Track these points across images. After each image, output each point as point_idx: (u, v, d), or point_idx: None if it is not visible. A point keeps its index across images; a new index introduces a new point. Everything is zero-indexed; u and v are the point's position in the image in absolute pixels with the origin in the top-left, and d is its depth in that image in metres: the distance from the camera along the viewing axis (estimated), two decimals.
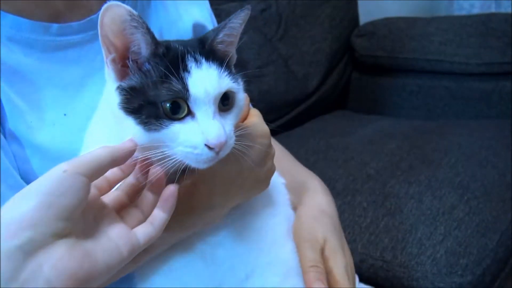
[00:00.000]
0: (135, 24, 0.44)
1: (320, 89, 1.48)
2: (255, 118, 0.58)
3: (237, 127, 0.50)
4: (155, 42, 0.46)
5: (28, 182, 0.59)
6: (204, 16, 0.77)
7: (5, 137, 0.58)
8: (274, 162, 0.64)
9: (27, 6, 0.59)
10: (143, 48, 0.46)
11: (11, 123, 0.57)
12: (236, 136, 0.48)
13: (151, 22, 0.68)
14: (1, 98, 0.56)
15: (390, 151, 1.09)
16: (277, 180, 0.66)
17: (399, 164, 1.04)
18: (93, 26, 0.62)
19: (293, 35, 1.46)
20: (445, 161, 1.01)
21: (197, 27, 0.73)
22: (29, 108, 0.58)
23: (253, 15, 0.53)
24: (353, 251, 0.76)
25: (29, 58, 0.59)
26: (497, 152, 1.03)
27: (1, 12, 0.57)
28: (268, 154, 0.57)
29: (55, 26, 0.60)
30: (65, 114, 0.60)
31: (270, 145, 0.58)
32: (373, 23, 1.54)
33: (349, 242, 0.74)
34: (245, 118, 0.58)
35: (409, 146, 1.11)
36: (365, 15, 1.64)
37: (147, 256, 0.54)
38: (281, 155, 0.74)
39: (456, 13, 1.65)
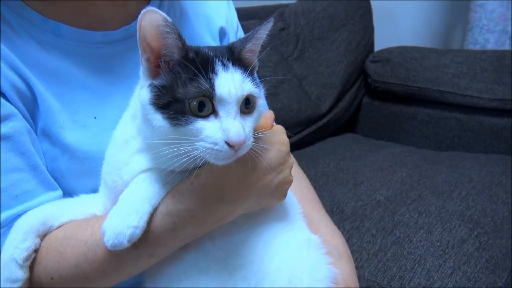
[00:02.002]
0: (168, 30, 0.47)
1: (332, 111, 1.49)
2: (277, 128, 0.61)
3: (256, 130, 0.53)
4: (185, 48, 0.49)
5: (54, 178, 0.60)
6: (230, 23, 0.79)
7: (36, 134, 0.59)
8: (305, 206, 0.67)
9: (67, 13, 0.61)
10: (175, 52, 0.49)
11: (44, 121, 0.59)
12: (254, 138, 0.52)
13: (183, 30, 0.71)
14: (37, 97, 0.58)
15: (400, 179, 1.10)
16: (292, 197, 0.67)
17: (409, 193, 1.04)
18: (128, 35, 0.64)
19: (309, 56, 1.48)
20: (455, 194, 1.01)
21: (221, 31, 0.77)
22: (63, 109, 0.60)
23: (271, 33, 0.56)
24: (360, 277, 0.76)
25: (66, 62, 0.60)
26: (507, 189, 1.03)
27: (43, 17, 0.59)
28: (285, 162, 0.59)
29: (92, 33, 0.61)
30: (95, 117, 0.62)
31: (288, 154, 0.60)
32: (388, 50, 1.56)
33: (356, 267, 0.73)
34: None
35: (419, 176, 1.11)
36: (380, 42, 1.66)
37: (162, 251, 0.54)
38: (310, 205, 0.75)
39: (470, 47, 1.67)
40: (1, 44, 0.56)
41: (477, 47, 1.64)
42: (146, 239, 0.51)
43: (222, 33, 0.77)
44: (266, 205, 0.60)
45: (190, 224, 0.53)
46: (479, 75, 1.38)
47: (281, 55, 1.43)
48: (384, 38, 1.71)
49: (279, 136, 0.60)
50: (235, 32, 0.81)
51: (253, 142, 0.51)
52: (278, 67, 1.39)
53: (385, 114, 1.57)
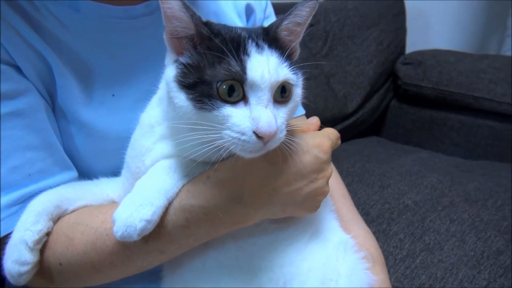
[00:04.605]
0: (185, 7, 0.44)
1: (359, 111, 1.44)
2: (322, 131, 0.56)
3: (290, 124, 0.48)
4: (204, 28, 0.45)
5: (71, 157, 0.57)
6: (259, 4, 0.75)
7: (53, 112, 0.56)
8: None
9: None
10: (192, 30, 0.45)
11: (61, 98, 0.56)
12: (287, 132, 0.46)
13: (208, 8, 0.67)
14: (55, 73, 0.55)
15: (430, 184, 1.04)
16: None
17: (440, 199, 0.98)
18: (149, 11, 0.61)
19: (338, 53, 1.43)
20: (490, 203, 0.95)
21: (248, 8, 0.73)
22: (80, 85, 0.57)
23: None
24: None
25: (84, 38, 0.58)
26: None
27: None
28: (321, 170, 0.53)
29: (113, 8, 0.59)
30: (113, 95, 0.59)
31: (326, 162, 0.53)
32: (421, 52, 1.50)
33: None
34: None
35: (451, 182, 1.05)
36: (412, 45, 1.60)
37: (174, 248, 0.51)
38: (345, 208, 0.71)
39: (507, 53, 1.59)
40: (19, 19, 0.54)
41: None
42: (157, 234, 0.47)
43: (249, 10, 0.73)
44: (293, 214, 0.54)
45: (203, 222, 0.49)
46: None
47: (309, 51, 1.39)
48: (416, 41, 1.65)
49: (320, 140, 0.53)
50: (263, 9, 0.76)
51: (286, 136, 0.46)
52: (305, 63, 1.34)
53: (413, 119, 1.51)
